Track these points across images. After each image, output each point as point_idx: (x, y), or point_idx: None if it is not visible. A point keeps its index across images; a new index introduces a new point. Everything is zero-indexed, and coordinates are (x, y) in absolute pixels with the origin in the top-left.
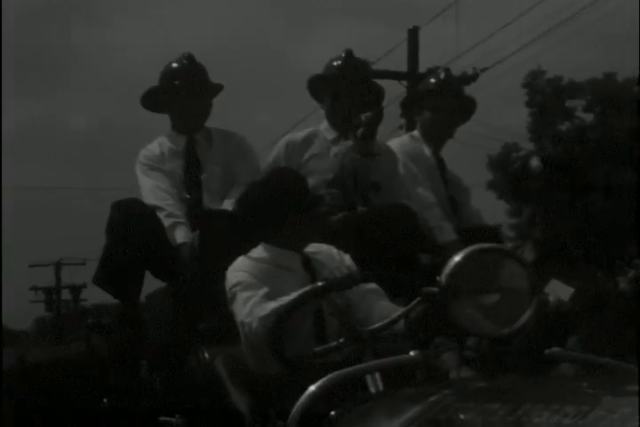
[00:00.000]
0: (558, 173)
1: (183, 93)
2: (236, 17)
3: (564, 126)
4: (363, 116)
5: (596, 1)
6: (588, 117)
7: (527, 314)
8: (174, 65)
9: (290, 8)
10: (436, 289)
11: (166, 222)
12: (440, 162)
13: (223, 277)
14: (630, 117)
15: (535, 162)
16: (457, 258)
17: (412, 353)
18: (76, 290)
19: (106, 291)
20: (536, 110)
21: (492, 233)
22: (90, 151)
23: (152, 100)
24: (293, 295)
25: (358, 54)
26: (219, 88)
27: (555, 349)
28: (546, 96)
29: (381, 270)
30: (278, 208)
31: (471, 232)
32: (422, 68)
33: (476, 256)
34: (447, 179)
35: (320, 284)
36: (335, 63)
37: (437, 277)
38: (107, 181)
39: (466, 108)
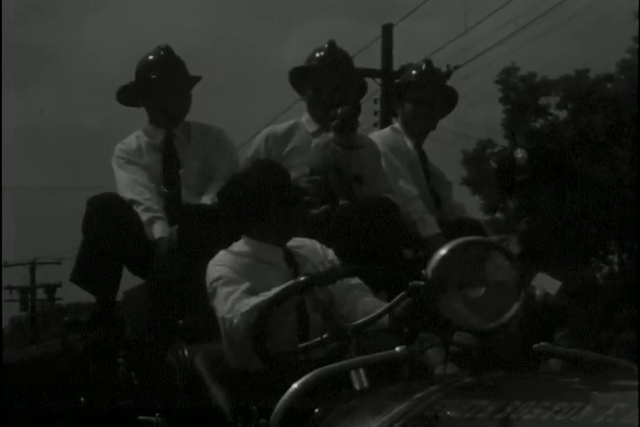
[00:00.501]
0: (544, 164)
1: (160, 86)
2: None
3: (538, 123)
4: (339, 109)
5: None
6: (562, 114)
7: (514, 308)
8: (150, 57)
9: (265, 6)
10: (421, 283)
11: (144, 217)
12: (422, 155)
13: (202, 273)
14: (603, 114)
15: (520, 153)
16: (443, 251)
17: (397, 349)
18: (50, 289)
19: (83, 288)
20: (510, 107)
21: (475, 227)
22: (65, 150)
23: (128, 95)
24: (276, 290)
25: None
26: (196, 80)
27: (543, 343)
28: (520, 93)
29: (365, 265)
30: (260, 201)
31: (454, 226)
32: (396, 66)
33: (462, 249)
34: (429, 172)
35: (303, 278)
36: (318, 54)
37: (423, 271)
38: (81, 181)
39: (448, 100)
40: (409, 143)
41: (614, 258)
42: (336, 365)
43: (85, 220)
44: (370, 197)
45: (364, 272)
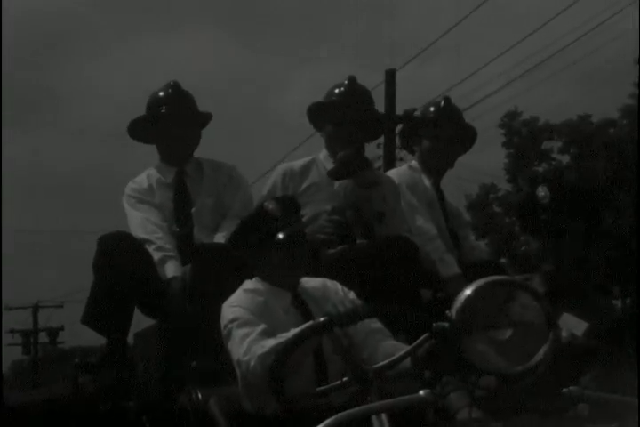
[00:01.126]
0: (568, 202)
1: (170, 122)
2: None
3: (541, 168)
4: (338, 154)
5: (569, 44)
6: (565, 159)
7: (543, 350)
8: (160, 93)
9: (269, 53)
10: (446, 324)
11: (156, 256)
12: (440, 193)
13: (216, 314)
14: (606, 159)
15: (543, 191)
16: (467, 291)
17: (421, 393)
18: (53, 333)
19: (94, 330)
20: (513, 151)
21: (496, 268)
22: (71, 193)
23: (139, 130)
24: (294, 332)
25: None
26: (207, 117)
27: (573, 388)
28: (522, 137)
29: (387, 305)
30: (261, 243)
31: (474, 266)
32: (399, 110)
33: (488, 289)
34: (447, 211)
35: (322, 319)
36: (337, 90)
37: (447, 312)
38: (88, 224)
39: (466, 138)
40: (427, 181)
41: (618, 303)
42: (357, 409)
43: (96, 259)
44: (388, 237)
45: (387, 313)
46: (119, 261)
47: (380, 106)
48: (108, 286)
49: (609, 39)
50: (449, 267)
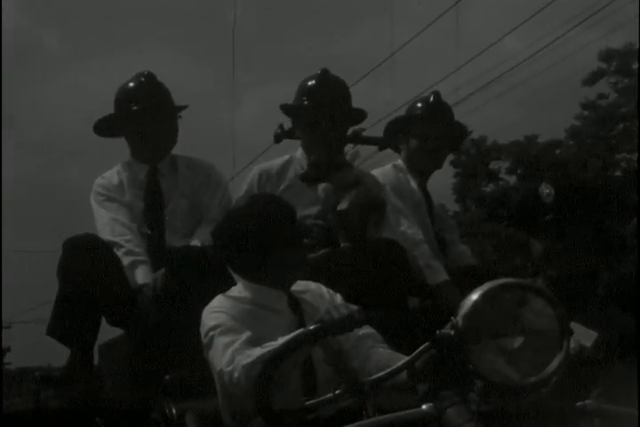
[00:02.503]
0: (574, 201)
1: (143, 119)
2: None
3: (489, 188)
4: (313, 156)
5: (517, 65)
6: (512, 179)
7: (557, 360)
8: (131, 85)
9: (221, 68)
10: (451, 332)
11: (125, 261)
12: (427, 195)
13: (192, 322)
14: (552, 180)
15: (547, 189)
16: (475, 296)
17: (423, 407)
18: None
19: (59, 341)
20: (461, 171)
21: (486, 274)
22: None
23: (105, 125)
24: (283, 340)
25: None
26: (182, 109)
27: (588, 401)
28: (470, 157)
29: (386, 311)
30: (262, 239)
31: (464, 272)
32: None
33: (497, 293)
34: (434, 214)
35: (315, 326)
36: (309, 83)
37: (452, 319)
38: (36, 244)
39: (456, 135)
40: (412, 182)
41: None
42: (353, 425)
43: (60, 264)
44: (374, 240)
45: (386, 319)
46: (85, 265)
47: None
48: (72, 292)
49: (556, 60)
50: (437, 273)
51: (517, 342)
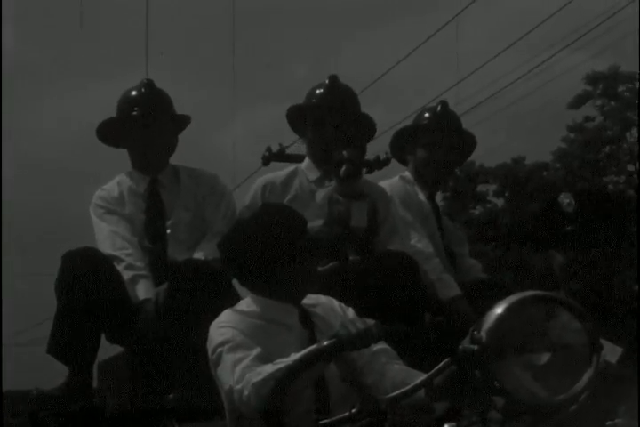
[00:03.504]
0: (595, 211)
1: (142, 127)
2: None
3: (477, 210)
4: (345, 152)
5: (502, 89)
6: (500, 202)
7: (587, 375)
8: (132, 93)
9: (214, 93)
10: (474, 347)
11: (126, 275)
12: (435, 207)
13: (196, 339)
14: (539, 203)
15: (567, 199)
16: (499, 310)
17: (446, 426)
18: None
19: (59, 360)
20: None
21: (499, 288)
22: None
23: (109, 133)
24: (296, 356)
25: (275, 137)
26: (185, 120)
27: (618, 420)
28: (459, 180)
29: (405, 326)
30: (271, 251)
31: (475, 287)
32: None
33: (523, 307)
34: (443, 227)
35: (330, 342)
36: (318, 91)
37: (475, 333)
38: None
39: (465, 146)
40: (421, 194)
41: None
42: None
43: (59, 279)
44: (385, 253)
45: (403, 335)
46: (84, 280)
47: None
48: (71, 308)
49: (542, 83)
50: (448, 288)
51: (544, 357)
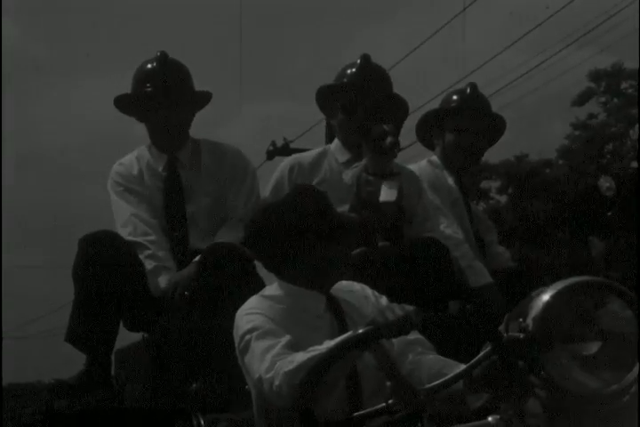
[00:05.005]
0: (635, 194)
1: (156, 102)
2: None
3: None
4: (385, 126)
5: (504, 87)
6: (503, 199)
7: (639, 366)
8: (148, 66)
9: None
10: (520, 336)
11: (148, 265)
12: (464, 193)
13: (222, 327)
14: (543, 199)
15: (607, 182)
16: (546, 297)
17: (489, 419)
18: None
19: (78, 348)
20: None
21: (530, 277)
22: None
23: (127, 104)
24: (330, 344)
25: (280, 131)
26: (205, 96)
27: None
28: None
29: (442, 313)
30: (298, 232)
31: (506, 275)
32: None
33: (572, 294)
34: (472, 213)
35: (367, 329)
36: (349, 71)
37: (521, 322)
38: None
39: (494, 129)
40: (449, 179)
41: None
42: None
43: (77, 264)
44: (416, 238)
45: (444, 321)
46: (104, 266)
47: (321, 142)
48: (90, 294)
49: (547, 79)
50: (479, 275)
51: (593, 346)
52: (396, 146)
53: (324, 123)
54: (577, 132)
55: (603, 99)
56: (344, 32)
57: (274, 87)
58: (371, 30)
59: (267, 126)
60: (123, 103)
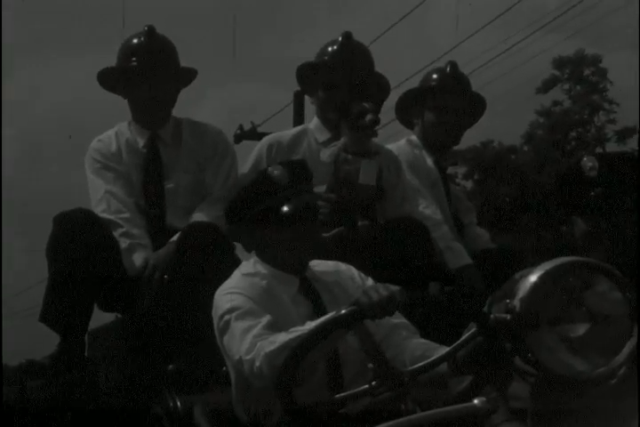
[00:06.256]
0: (620, 174)
1: (140, 78)
2: None
3: None
4: (365, 104)
5: (474, 71)
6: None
7: (627, 348)
8: (133, 41)
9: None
10: (507, 317)
11: (123, 243)
12: (443, 173)
13: (198, 306)
14: (508, 185)
15: (590, 162)
16: (533, 278)
17: (475, 401)
18: None
19: (51, 328)
20: None
21: (511, 257)
22: None
23: (110, 80)
24: (312, 325)
25: (247, 115)
26: (190, 73)
27: None
28: None
29: (426, 293)
30: (272, 205)
31: (486, 256)
32: None
33: (559, 274)
34: (450, 194)
35: (350, 309)
36: (330, 48)
37: (507, 302)
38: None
39: (475, 108)
40: (429, 159)
41: None
42: (396, 422)
43: (51, 242)
44: (395, 218)
45: (431, 301)
46: (78, 244)
47: (288, 126)
48: (63, 273)
49: (514, 66)
50: (459, 257)
51: (581, 328)
52: (375, 124)
53: (291, 107)
54: (541, 120)
55: (566, 86)
56: (311, 17)
57: (239, 70)
58: (339, 16)
59: (232, 110)
60: (106, 77)
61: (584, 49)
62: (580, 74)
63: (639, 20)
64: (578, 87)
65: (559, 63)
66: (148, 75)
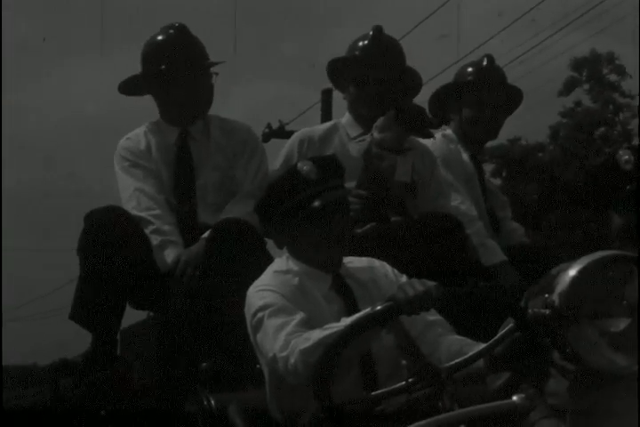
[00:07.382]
0: None
1: (173, 79)
2: None
3: None
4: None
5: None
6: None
7: None
8: (159, 39)
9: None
10: (545, 311)
11: (154, 240)
12: (479, 168)
13: (233, 304)
14: (536, 182)
15: (626, 155)
16: (573, 272)
17: (514, 398)
18: None
19: (82, 325)
20: None
21: (545, 254)
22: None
23: (133, 85)
24: (347, 321)
25: (273, 115)
26: (213, 65)
27: None
28: None
29: (463, 289)
30: (292, 215)
31: (520, 252)
32: None
33: (599, 269)
34: (486, 189)
35: (386, 305)
36: (361, 43)
37: (547, 297)
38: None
39: (511, 102)
40: (464, 154)
41: None
42: (436, 419)
43: (82, 240)
44: (429, 214)
45: (467, 297)
46: (109, 243)
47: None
48: (96, 271)
49: (541, 63)
50: (493, 253)
51: (622, 322)
52: (432, 125)
53: (319, 105)
54: (565, 120)
55: (586, 86)
56: (336, 15)
57: (266, 69)
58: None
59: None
60: (130, 85)
61: (597, 49)
62: (599, 73)
63: (639, 20)
64: (597, 86)
65: (575, 64)
66: (188, 74)
